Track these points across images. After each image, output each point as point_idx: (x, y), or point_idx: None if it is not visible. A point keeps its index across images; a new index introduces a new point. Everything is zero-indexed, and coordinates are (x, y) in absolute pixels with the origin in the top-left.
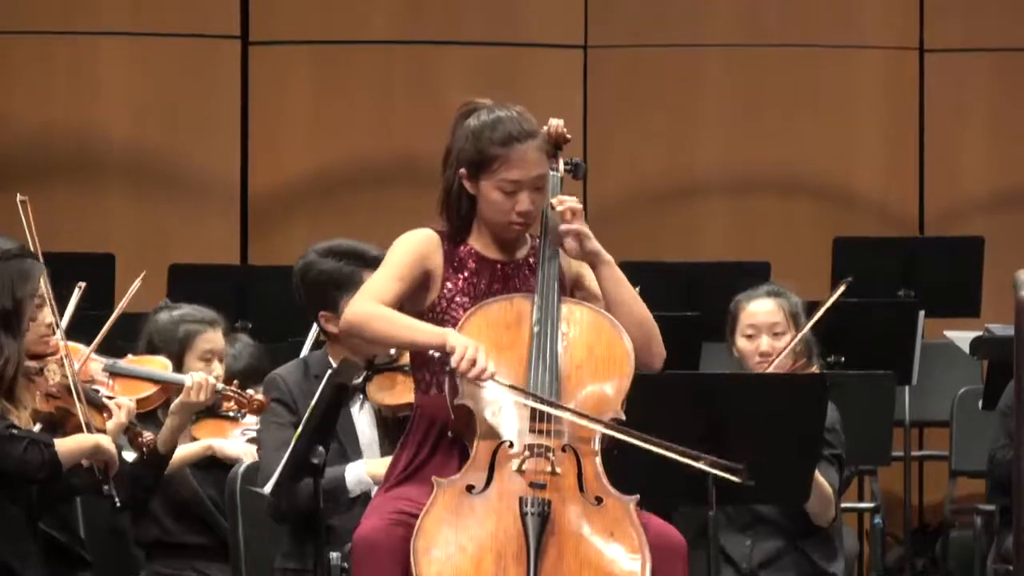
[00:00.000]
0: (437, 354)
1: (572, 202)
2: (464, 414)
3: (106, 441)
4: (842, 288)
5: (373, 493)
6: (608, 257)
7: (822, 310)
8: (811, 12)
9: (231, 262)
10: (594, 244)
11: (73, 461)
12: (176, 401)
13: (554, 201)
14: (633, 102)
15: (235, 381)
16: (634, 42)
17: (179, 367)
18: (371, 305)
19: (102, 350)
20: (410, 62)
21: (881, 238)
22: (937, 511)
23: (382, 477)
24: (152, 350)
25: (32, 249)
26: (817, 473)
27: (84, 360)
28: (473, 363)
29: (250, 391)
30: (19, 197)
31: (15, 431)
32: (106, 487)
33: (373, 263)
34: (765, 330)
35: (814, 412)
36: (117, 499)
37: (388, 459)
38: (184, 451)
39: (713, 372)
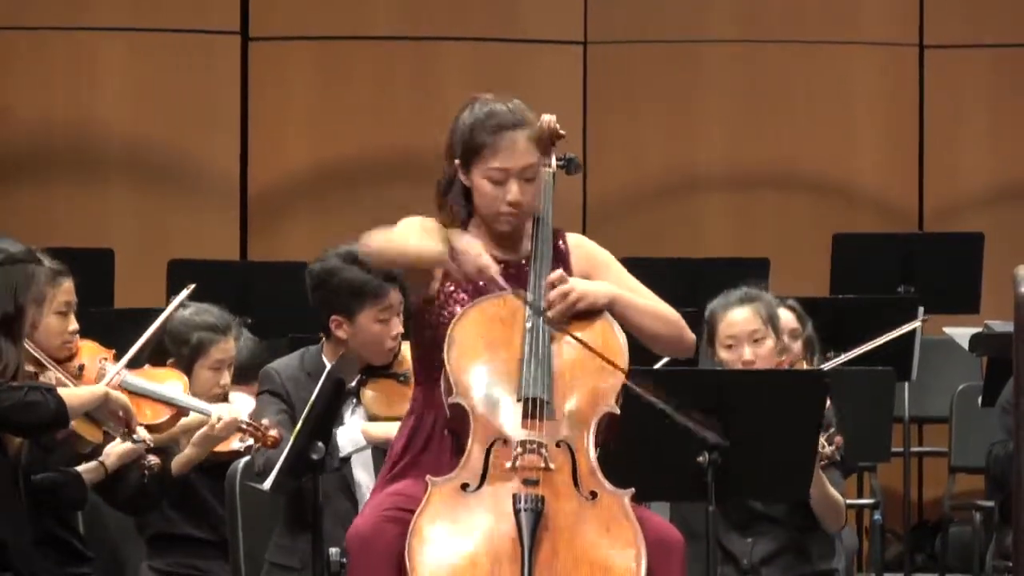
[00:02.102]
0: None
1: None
2: (458, 412)
3: (115, 393)
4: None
5: (363, 480)
6: (605, 299)
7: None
8: (811, 8)
9: (231, 258)
10: (587, 299)
11: (80, 410)
12: (199, 433)
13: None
14: (633, 98)
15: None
16: (634, 38)
17: (188, 373)
18: (385, 233)
19: (114, 345)
20: (410, 58)
21: (880, 234)
22: (936, 507)
23: (376, 437)
24: (161, 352)
25: None
26: (829, 486)
27: (112, 375)
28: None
29: (265, 421)
30: None
31: (14, 383)
32: (135, 436)
33: (399, 276)
34: (745, 339)
35: (814, 408)
36: (150, 442)
37: (387, 424)
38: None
39: (713, 368)
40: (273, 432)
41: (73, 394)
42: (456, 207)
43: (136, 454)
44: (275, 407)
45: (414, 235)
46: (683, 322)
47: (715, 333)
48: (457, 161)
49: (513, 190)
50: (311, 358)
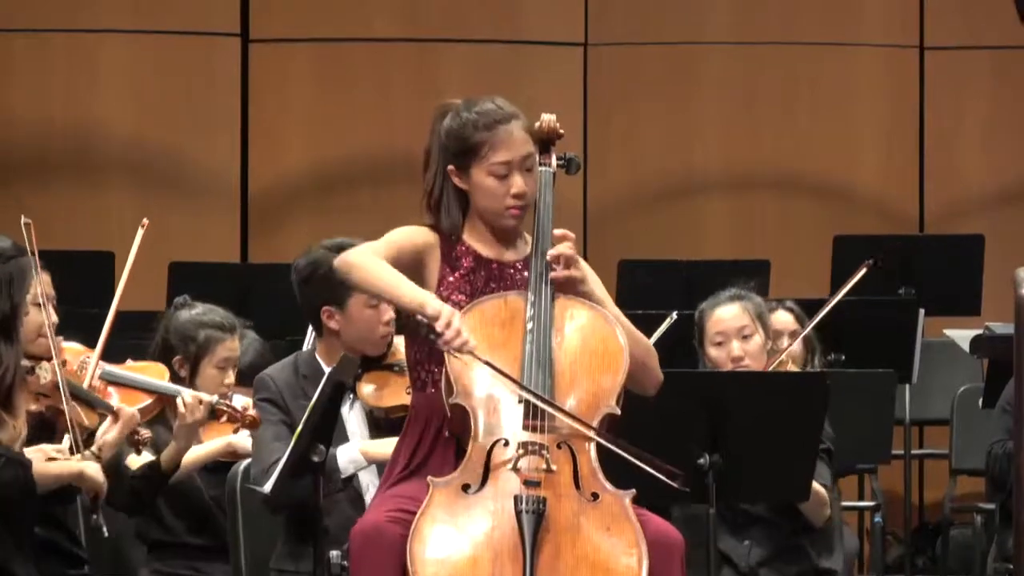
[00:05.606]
0: (422, 319)
1: (564, 248)
2: (459, 413)
3: (91, 470)
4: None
5: (367, 480)
6: (599, 294)
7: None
8: (811, 10)
9: (231, 260)
10: (587, 287)
11: (51, 486)
12: (176, 426)
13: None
14: (633, 100)
15: (230, 396)
16: (634, 40)
17: (194, 371)
18: (368, 255)
19: (114, 347)
20: (410, 60)
21: (881, 236)
22: (937, 509)
23: (376, 456)
24: (167, 349)
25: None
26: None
27: (93, 367)
28: (458, 332)
29: (245, 403)
30: (23, 220)
31: None
32: (94, 516)
33: None
34: (734, 335)
35: (815, 411)
36: (105, 529)
37: (384, 440)
38: (204, 449)
39: (714, 371)
40: (252, 412)
41: (48, 473)
42: (453, 212)
43: (129, 429)
44: (271, 418)
45: (395, 274)
46: (656, 359)
47: (704, 331)
48: (451, 167)
49: (517, 182)
50: (304, 361)
